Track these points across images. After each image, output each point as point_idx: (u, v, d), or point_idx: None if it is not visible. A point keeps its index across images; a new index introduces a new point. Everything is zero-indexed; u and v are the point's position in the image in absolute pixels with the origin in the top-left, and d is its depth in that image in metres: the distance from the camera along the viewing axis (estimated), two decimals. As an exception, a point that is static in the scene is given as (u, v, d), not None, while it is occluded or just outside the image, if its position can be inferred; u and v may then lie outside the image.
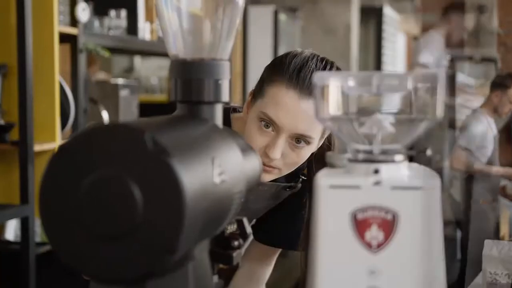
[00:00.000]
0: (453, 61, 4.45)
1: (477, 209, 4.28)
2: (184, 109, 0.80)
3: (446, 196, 5.22)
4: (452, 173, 4.61)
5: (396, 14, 8.28)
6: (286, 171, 1.30)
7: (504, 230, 4.67)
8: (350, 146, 0.71)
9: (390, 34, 7.97)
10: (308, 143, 1.26)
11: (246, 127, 1.29)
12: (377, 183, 0.67)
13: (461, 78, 6.84)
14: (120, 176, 0.60)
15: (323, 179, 0.69)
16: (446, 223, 4.66)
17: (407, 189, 0.67)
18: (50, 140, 2.47)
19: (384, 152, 0.70)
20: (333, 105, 0.70)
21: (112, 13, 2.98)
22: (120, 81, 3.15)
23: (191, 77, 0.80)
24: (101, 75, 4.53)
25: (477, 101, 4.89)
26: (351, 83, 0.70)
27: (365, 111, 0.72)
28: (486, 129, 4.37)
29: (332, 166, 0.77)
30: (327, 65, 1.27)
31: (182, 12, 0.80)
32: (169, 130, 0.67)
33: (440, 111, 0.68)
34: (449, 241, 4.81)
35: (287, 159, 1.27)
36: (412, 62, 4.62)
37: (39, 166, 2.39)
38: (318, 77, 0.70)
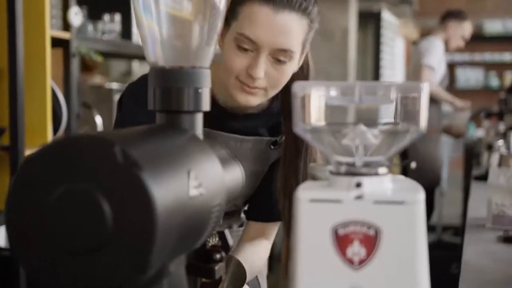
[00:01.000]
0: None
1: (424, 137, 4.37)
2: (163, 118, 0.78)
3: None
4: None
5: (395, 19, 8.26)
6: (271, 92, 1.28)
7: None
8: (332, 158, 0.69)
9: (388, 39, 7.95)
10: (289, 58, 1.23)
11: (224, 54, 1.27)
12: (359, 197, 0.65)
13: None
14: (89, 189, 0.58)
15: (303, 192, 0.66)
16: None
17: (390, 204, 0.64)
18: (41, 145, 2.44)
19: (367, 164, 0.68)
20: (315, 115, 0.68)
21: (106, 17, 2.96)
22: (115, 85, 3.12)
23: (170, 85, 0.77)
24: (97, 79, 4.51)
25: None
26: (333, 93, 0.67)
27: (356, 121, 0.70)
28: (441, 53, 4.43)
29: (314, 178, 0.74)
30: None
31: (161, 18, 0.78)
32: (143, 141, 0.64)
33: (424, 123, 0.66)
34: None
35: (270, 78, 1.25)
36: (414, 64, 4.58)
37: (30, 171, 2.35)
38: (298, 86, 0.68)
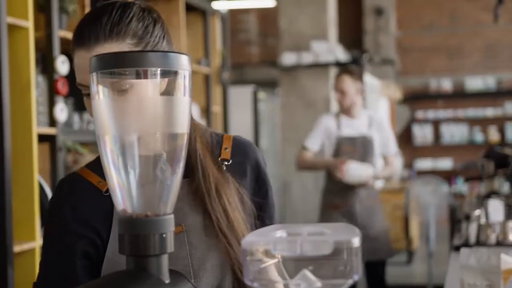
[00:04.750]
0: None
1: (324, 214, 4.18)
2: (131, 262, 0.87)
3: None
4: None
5: (377, 80, 8.45)
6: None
7: None
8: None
9: (372, 100, 8.12)
10: (129, 85, 1.16)
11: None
12: None
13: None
14: None
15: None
16: None
17: None
18: (29, 239, 2.52)
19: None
20: (261, 267, 0.77)
21: (91, 107, 3.07)
22: (101, 171, 3.20)
23: (138, 232, 0.86)
24: (89, 159, 4.59)
25: None
26: (279, 246, 0.76)
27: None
28: (327, 128, 4.18)
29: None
30: (105, 8, 1.24)
31: (129, 174, 0.87)
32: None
33: (358, 272, 0.75)
34: None
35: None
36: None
37: (19, 267, 2.42)
38: (247, 242, 0.77)
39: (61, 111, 2.70)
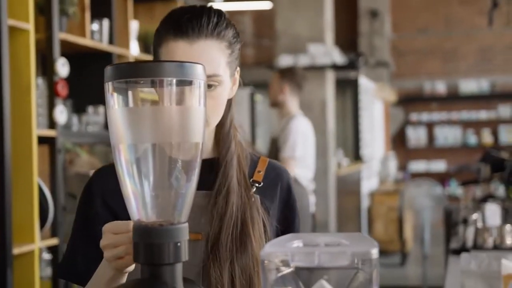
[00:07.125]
0: None
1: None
2: (146, 271, 0.87)
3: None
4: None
5: (372, 83, 8.47)
6: (212, 120, 1.26)
7: None
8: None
9: (367, 102, 8.14)
10: (218, 82, 1.24)
11: None
12: None
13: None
14: None
15: None
16: None
17: None
18: (29, 241, 2.51)
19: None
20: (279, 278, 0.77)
21: (90, 109, 3.07)
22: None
23: (152, 241, 0.86)
24: (84, 157, 4.56)
25: None
26: (296, 257, 0.77)
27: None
28: None
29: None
30: (204, 8, 1.26)
31: (143, 183, 0.88)
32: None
33: (377, 283, 0.75)
34: None
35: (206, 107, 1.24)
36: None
37: (18, 269, 2.42)
38: (265, 253, 0.77)
39: (61, 113, 2.69)
